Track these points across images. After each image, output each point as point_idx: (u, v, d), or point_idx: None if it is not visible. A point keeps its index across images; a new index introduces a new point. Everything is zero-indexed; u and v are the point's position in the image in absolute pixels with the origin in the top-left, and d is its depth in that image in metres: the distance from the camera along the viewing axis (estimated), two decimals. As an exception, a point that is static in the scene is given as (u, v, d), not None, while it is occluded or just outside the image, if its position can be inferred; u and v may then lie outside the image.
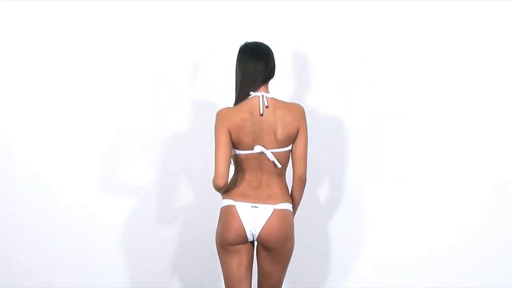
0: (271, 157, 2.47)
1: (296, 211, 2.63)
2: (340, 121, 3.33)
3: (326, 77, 3.32)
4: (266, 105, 2.48)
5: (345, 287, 3.37)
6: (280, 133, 2.47)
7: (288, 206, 2.51)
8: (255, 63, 2.49)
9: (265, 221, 2.46)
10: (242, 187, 2.51)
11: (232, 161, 2.55)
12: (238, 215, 2.47)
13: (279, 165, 2.48)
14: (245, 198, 2.49)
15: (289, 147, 2.51)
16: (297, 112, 2.51)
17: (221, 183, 2.43)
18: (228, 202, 2.51)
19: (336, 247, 3.39)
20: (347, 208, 3.38)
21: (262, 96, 2.49)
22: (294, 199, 2.58)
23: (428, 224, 3.32)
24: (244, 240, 2.49)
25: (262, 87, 2.51)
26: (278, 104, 2.50)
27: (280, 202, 2.49)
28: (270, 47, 2.58)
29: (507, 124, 3.26)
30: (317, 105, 3.27)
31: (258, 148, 2.47)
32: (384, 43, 3.29)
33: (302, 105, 2.60)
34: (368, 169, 3.34)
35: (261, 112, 2.47)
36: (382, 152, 3.33)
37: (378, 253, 3.35)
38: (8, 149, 3.43)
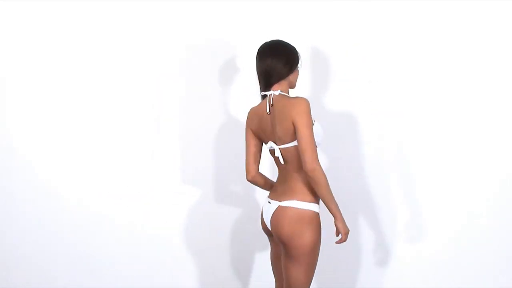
0: (277, 153, 2.51)
1: (330, 208, 2.46)
2: (340, 120, 3.33)
3: (326, 76, 3.32)
4: (271, 103, 2.49)
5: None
6: (278, 129, 2.47)
7: (295, 203, 2.48)
8: (261, 64, 2.53)
9: (270, 217, 2.53)
10: (276, 183, 2.64)
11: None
12: (262, 209, 2.64)
13: (282, 161, 2.49)
14: (271, 193, 2.62)
15: (295, 142, 2.47)
16: (292, 106, 2.42)
17: (248, 177, 2.70)
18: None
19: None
20: (344, 208, 3.36)
21: (270, 95, 2.52)
22: (319, 196, 2.48)
23: (428, 223, 3.32)
24: (269, 232, 2.63)
25: (276, 85, 2.53)
26: (281, 100, 2.49)
27: (287, 199, 2.49)
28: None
29: (507, 123, 3.26)
30: (317, 105, 3.27)
31: (269, 145, 2.57)
32: (384, 43, 3.29)
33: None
34: (369, 168, 3.33)
35: (267, 111, 2.50)
36: (382, 151, 3.32)
37: (378, 253, 3.35)
38: (13, 149, 3.44)
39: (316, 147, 2.43)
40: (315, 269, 2.52)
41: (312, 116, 2.43)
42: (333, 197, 2.45)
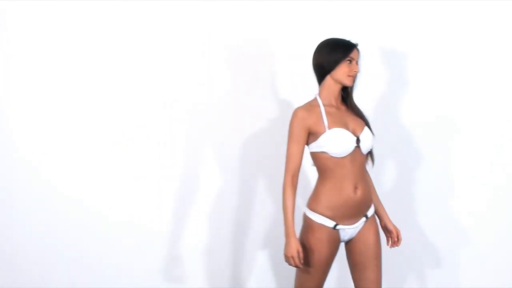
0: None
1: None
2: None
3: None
4: None
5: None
6: None
7: (305, 209, 2.64)
8: None
9: None
10: None
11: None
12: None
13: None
14: None
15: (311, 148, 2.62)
16: None
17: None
18: None
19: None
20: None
21: None
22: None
23: (428, 224, 3.33)
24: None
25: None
26: None
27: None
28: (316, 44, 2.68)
29: (507, 124, 3.20)
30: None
31: None
32: (384, 43, 3.22)
33: (299, 106, 2.61)
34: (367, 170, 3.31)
35: None
36: (381, 153, 3.29)
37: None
38: (15, 148, 3.42)
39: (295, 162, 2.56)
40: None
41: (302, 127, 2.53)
42: (286, 212, 2.54)
